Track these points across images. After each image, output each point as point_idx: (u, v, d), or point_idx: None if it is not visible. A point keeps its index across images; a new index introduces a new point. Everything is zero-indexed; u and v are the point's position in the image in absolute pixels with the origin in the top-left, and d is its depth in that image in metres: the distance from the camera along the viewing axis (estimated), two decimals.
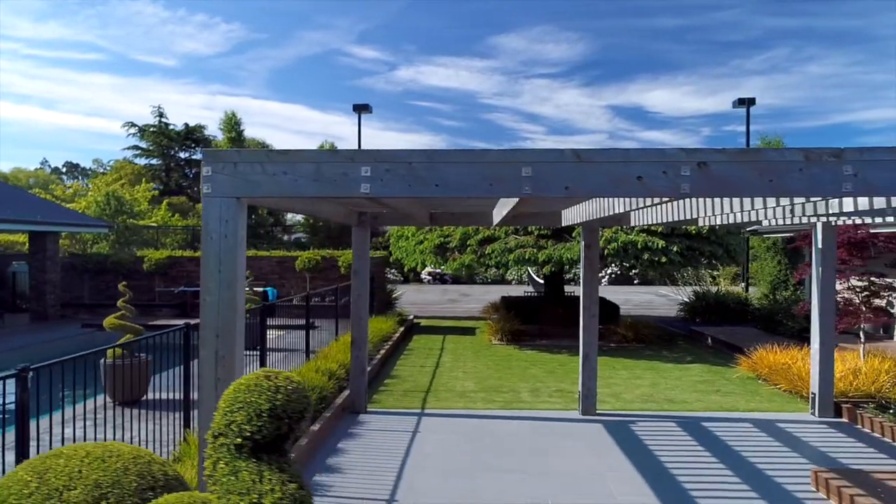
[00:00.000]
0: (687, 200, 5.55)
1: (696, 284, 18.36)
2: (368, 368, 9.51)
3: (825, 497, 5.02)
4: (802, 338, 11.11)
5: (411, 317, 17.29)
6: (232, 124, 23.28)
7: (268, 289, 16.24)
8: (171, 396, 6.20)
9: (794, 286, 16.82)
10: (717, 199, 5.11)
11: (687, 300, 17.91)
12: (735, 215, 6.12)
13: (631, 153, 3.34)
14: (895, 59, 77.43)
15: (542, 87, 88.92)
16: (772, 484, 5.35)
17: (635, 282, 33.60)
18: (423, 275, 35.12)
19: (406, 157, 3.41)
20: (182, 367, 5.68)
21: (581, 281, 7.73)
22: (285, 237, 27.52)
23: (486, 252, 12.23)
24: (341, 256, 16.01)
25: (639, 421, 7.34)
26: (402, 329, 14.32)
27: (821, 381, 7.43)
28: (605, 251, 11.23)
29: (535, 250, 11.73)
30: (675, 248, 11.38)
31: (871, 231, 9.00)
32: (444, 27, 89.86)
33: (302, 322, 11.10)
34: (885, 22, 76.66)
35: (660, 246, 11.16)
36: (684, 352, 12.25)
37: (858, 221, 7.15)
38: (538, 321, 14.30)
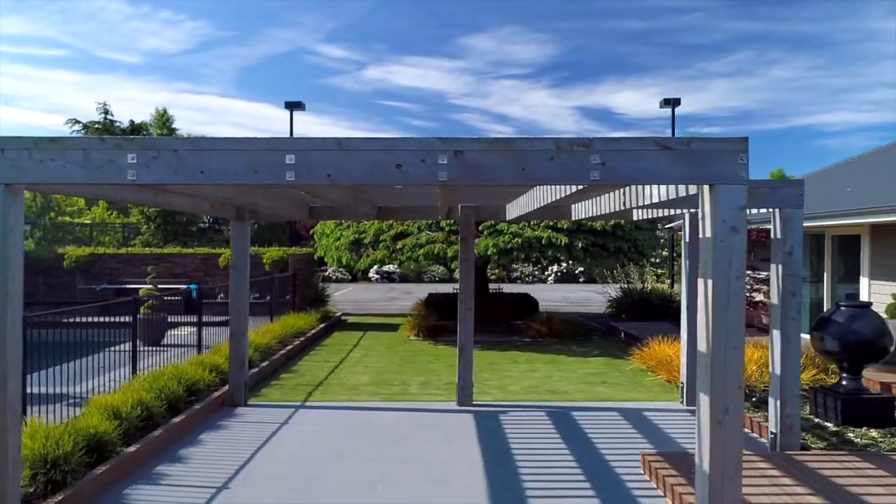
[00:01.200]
0: (619, 193, 5.71)
1: (624, 282, 18.76)
2: (265, 363, 9.51)
3: (649, 479, 5.22)
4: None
5: (339, 314, 17.27)
6: (163, 120, 22.94)
7: (191, 286, 16.01)
8: None
9: None
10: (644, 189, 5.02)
11: (614, 297, 18.31)
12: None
13: (391, 142, 3.43)
14: (853, 63, 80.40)
15: (511, 87, 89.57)
16: (608, 469, 5.53)
17: (581, 280, 34.13)
18: (371, 273, 35.05)
19: (172, 145, 3.44)
20: None
21: (459, 273, 7.85)
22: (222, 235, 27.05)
23: (398, 248, 12.30)
24: (266, 253, 15.90)
25: (511, 411, 7.50)
26: (322, 325, 14.29)
27: (688, 372, 7.70)
28: (510, 246, 11.41)
29: (444, 246, 11.85)
30: (579, 245, 11.63)
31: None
32: (413, 27, 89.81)
33: (219, 319, 11.05)
34: (844, 27, 79.51)
35: (563, 242, 11.39)
36: (594, 346, 12.53)
37: None
38: (452, 316, 14.41)
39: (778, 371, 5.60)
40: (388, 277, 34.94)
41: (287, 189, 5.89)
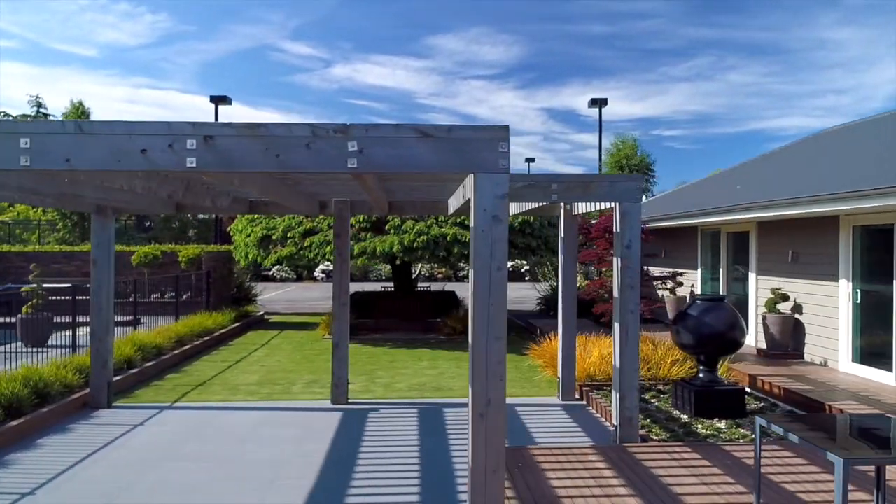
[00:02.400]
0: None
1: (553, 280, 18.91)
2: (149, 364, 9.17)
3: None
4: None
5: (262, 313, 16.93)
6: (79, 114, 22.14)
7: None
8: None
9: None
10: None
11: (542, 295, 18.43)
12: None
13: (136, 125, 3.26)
14: (804, 70, 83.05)
15: (479, 88, 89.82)
16: (448, 466, 5.46)
17: (526, 279, 34.36)
18: (317, 272, 34.61)
19: None
20: None
21: (333, 269, 7.70)
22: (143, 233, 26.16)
23: (306, 245, 12.08)
24: (182, 251, 15.44)
25: (384, 409, 7.39)
26: (236, 325, 13.95)
27: (563, 367, 7.72)
28: (415, 244, 11.31)
29: (352, 242, 11.68)
30: None
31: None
32: (380, 26, 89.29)
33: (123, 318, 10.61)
34: (796, 36, 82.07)
35: (469, 239, 11.34)
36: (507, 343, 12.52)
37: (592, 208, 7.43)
38: (380, 315, 14.29)
39: (618, 364, 5.62)
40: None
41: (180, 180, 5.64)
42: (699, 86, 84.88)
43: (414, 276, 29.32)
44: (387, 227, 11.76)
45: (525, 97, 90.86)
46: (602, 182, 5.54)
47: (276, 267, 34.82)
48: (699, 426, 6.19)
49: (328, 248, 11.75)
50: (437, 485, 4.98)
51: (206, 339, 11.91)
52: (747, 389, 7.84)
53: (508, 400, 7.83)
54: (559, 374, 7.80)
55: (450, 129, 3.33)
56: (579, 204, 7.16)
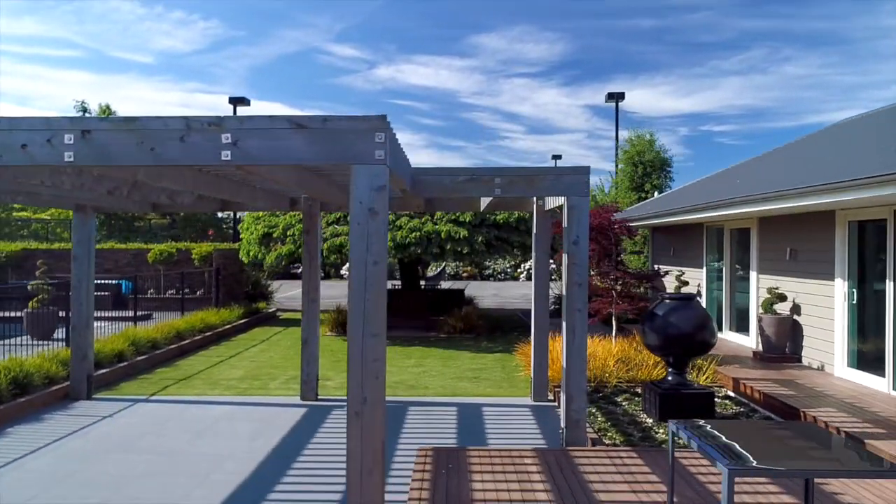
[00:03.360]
0: None
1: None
2: (141, 357, 9.38)
3: (421, 471, 5.07)
4: (620, 328, 11.25)
5: (274, 309, 17.19)
6: (107, 116, 23.01)
7: (122, 282, 15.99)
8: None
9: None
10: None
11: (557, 294, 18.14)
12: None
13: (15, 121, 3.30)
14: (866, 61, 79.32)
15: (522, 86, 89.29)
16: (387, 459, 5.38)
17: (553, 277, 33.88)
18: (343, 270, 34.96)
19: None
20: None
21: (302, 266, 7.72)
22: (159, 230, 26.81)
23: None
24: (196, 249, 15.82)
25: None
26: (243, 321, 14.20)
27: (535, 367, 7.53)
28: (408, 240, 11.25)
29: (347, 238, 11.72)
30: (479, 239, 11.46)
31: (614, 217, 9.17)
32: (423, 26, 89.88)
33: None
34: (857, 25, 78.48)
35: (463, 236, 11.23)
36: (504, 342, 12.36)
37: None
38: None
39: (566, 365, 5.43)
40: None
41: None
42: (752, 79, 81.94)
43: (435, 273, 29.38)
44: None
45: (569, 94, 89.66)
46: (547, 176, 5.35)
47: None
48: (661, 431, 5.93)
49: (325, 245, 11.81)
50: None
51: (207, 334, 12.15)
52: (730, 393, 7.49)
53: (480, 400, 7.71)
54: (531, 375, 7.61)
55: (325, 119, 3.25)
56: (551, 199, 6.97)
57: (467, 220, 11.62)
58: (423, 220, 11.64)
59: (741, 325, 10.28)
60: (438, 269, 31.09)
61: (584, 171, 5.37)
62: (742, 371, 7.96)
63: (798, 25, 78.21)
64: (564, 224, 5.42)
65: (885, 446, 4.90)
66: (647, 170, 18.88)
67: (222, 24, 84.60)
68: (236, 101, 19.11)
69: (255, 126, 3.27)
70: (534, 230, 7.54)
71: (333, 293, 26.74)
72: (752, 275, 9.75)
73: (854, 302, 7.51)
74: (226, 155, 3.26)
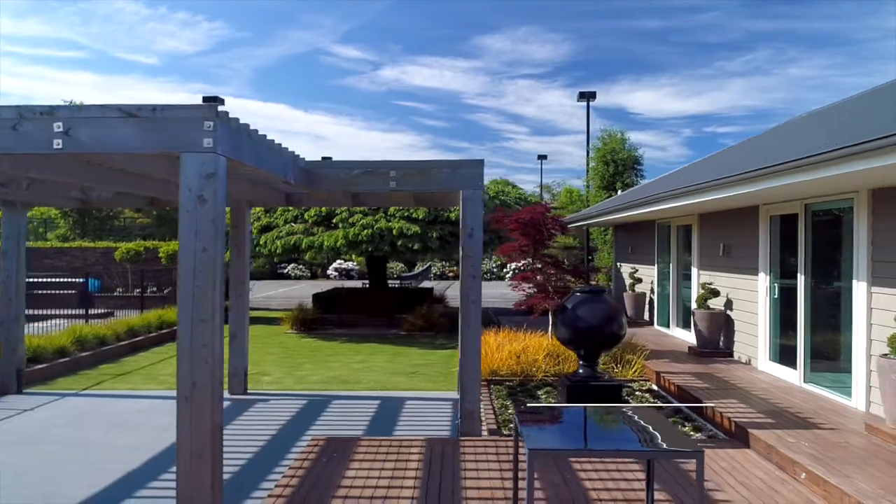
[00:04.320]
0: None
1: None
2: (85, 353, 9.45)
3: (303, 459, 5.13)
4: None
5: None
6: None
7: (88, 280, 16.07)
8: None
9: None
10: None
11: (528, 292, 18.19)
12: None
13: None
14: (871, 62, 79.10)
15: (526, 87, 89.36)
16: (280, 447, 5.44)
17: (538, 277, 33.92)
18: (330, 270, 35.06)
19: None
20: None
21: (230, 261, 7.78)
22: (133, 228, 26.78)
23: (261, 241, 12.26)
24: (163, 247, 15.90)
25: (273, 400, 7.41)
26: None
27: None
28: (360, 237, 11.32)
29: (301, 237, 11.79)
30: (433, 235, 11.52)
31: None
32: (428, 27, 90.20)
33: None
34: (862, 26, 78.30)
35: (415, 232, 11.29)
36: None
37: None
38: (345, 310, 14.38)
39: (461, 357, 5.48)
40: (346, 274, 34.92)
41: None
42: (756, 81, 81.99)
43: (419, 272, 29.40)
44: (335, 221, 11.81)
45: (573, 95, 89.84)
46: (443, 169, 5.41)
47: (292, 265, 35.49)
48: None
49: (280, 244, 11.89)
50: (243, 471, 4.97)
51: (164, 331, 12.22)
52: (653, 387, 7.53)
53: (407, 394, 7.75)
54: (458, 370, 7.65)
55: (154, 108, 3.32)
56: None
57: (420, 216, 11.69)
58: (377, 217, 11.71)
59: (686, 321, 10.32)
60: (423, 268, 31.20)
61: (479, 164, 5.43)
62: (670, 365, 8.00)
63: (803, 26, 78.18)
64: (461, 216, 5.48)
65: (762, 435, 4.94)
66: (619, 168, 18.91)
67: (227, 26, 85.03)
68: (210, 100, 19.22)
69: (87, 115, 3.33)
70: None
71: (314, 292, 26.81)
72: (694, 271, 9.80)
73: (776, 296, 7.55)
74: (58, 143, 3.32)
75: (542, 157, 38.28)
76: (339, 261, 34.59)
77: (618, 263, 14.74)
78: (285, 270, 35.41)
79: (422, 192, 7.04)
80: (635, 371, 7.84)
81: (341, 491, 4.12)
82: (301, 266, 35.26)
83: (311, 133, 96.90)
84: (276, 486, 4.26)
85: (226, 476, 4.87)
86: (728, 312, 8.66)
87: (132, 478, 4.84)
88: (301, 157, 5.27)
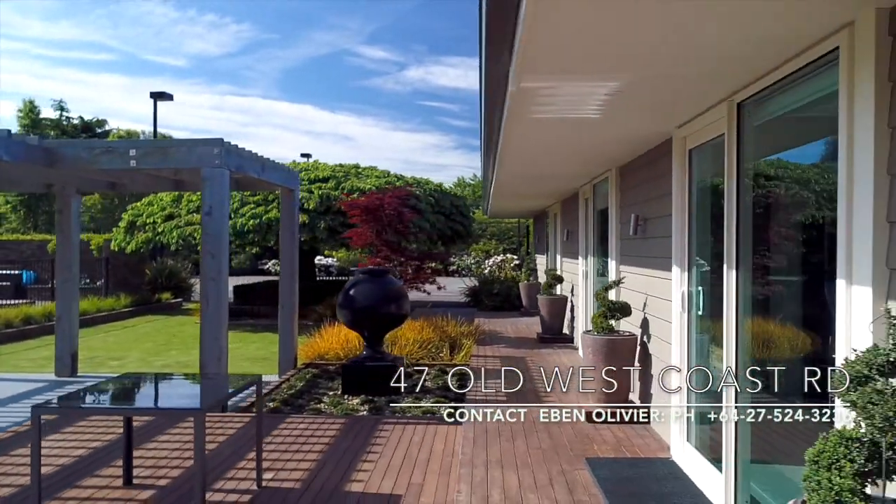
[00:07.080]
0: None
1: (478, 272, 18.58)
2: None
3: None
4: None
5: (181, 300, 17.48)
6: (27, 111, 23.61)
7: (24, 272, 16.45)
8: None
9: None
10: None
11: (469, 286, 18.29)
12: None
13: None
14: None
15: None
16: None
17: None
18: (318, 258, 35.22)
19: None
20: None
21: (57, 246, 7.90)
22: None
23: (161, 230, 12.42)
24: (94, 239, 16.21)
25: (84, 381, 7.54)
26: (129, 309, 14.50)
27: (280, 345, 7.61)
28: (247, 228, 11.40)
29: (198, 227, 11.92)
30: (322, 225, 11.56)
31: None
32: (454, 27, 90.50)
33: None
34: None
35: (303, 221, 11.32)
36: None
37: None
38: (260, 302, 14.52)
39: (201, 331, 5.51)
40: (325, 270, 35.05)
41: None
42: None
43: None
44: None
45: None
46: (181, 147, 5.45)
47: (273, 261, 35.75)
48: (328, 402, 5.98)
49: (177, 232, 12.03)
50: None
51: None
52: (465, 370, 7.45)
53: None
54: (278, 352, 7.69)
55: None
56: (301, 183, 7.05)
57: (311, 207, 11.73)
58: (269, 207, 11.77)
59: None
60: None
61: (217, 142, 5.44)
62: (497, 350, 7.93)
63: None
64: (203, 196, 5.51)
65: None
66: None
67: (254, 28, 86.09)
68: (157, 96, 19.47)
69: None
70: (281, 213, 7.63)
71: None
72: (558, 258, 9.69)
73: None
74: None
75: None
76: (318, 257, 34.75)
77: (536, 257, 14.61)
78: (266, 266, 35.72)
79: (168, 171, 6.84)
80: (463, 355, 7.79)
81: None
82: (273, 261, 35.50)
83: (337, 133, 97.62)
84: None
85: None
86: (571, 298, 8.55)
87: None
88: (32, 136, 5.34)
